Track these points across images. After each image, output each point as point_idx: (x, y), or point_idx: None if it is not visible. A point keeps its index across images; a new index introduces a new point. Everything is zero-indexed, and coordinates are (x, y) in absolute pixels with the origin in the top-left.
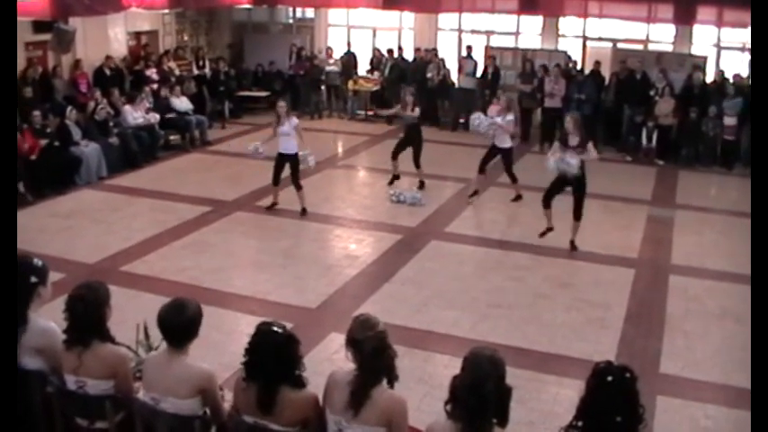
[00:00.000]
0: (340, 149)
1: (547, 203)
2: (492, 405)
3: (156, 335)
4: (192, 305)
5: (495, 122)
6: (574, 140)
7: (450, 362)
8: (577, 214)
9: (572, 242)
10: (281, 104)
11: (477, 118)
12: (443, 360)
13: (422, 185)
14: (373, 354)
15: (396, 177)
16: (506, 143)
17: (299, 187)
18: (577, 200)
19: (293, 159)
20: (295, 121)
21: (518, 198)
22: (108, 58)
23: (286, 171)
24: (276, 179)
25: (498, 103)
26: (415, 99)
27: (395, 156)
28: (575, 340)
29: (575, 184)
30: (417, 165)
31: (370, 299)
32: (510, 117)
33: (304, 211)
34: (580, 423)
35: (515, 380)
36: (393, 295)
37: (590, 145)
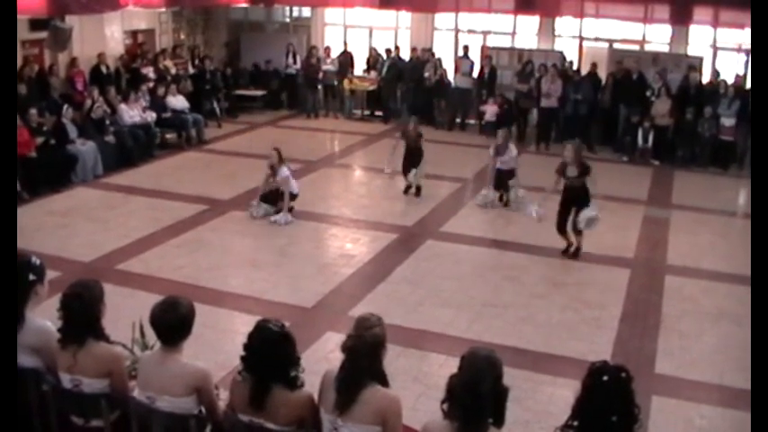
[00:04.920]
0: (336, 149)
1: (561, 229)
2: (488, 405)
3: (151, 333)
4: (185, 303)
5: (535, 208)
6: (572, 171)
7: (445, 361)
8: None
9: (578, 249)
10: (274, 154)
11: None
12: (439, 359)
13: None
14: (354, 352)
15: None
16: (512, 165)
17: None
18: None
19: None
20: (286, 172)
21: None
22: (101, 55)
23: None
24: None
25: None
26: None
27: (406, 171)
28: (570, 340)
29: (579, 202)
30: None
31: (366, 298)
32: (513, 153)
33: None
34: (576, 423)
35: (511, 379)
36: (389, 294)
37: (591, 179)
